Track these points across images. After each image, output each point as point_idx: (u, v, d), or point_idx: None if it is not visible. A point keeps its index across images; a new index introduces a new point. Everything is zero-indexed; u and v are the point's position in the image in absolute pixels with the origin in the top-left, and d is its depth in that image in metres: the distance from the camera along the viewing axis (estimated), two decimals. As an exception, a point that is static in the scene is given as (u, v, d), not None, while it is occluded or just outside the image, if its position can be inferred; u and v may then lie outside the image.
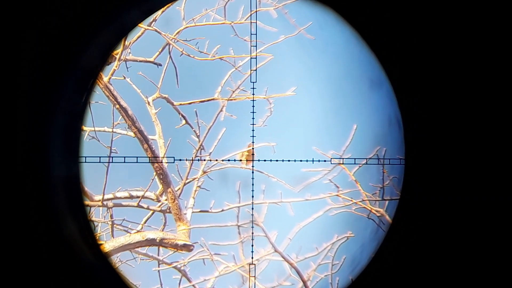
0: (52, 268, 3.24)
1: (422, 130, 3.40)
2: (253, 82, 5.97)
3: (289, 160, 6.06)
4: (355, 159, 6.47)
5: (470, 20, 3.39)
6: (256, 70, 5.90)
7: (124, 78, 6.94)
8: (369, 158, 6.19)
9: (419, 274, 3.31)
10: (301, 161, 6.07)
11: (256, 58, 5.92)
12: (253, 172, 6.58)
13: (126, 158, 5.59)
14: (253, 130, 6.22)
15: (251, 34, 6.06)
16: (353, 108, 6.25)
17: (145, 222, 7.23)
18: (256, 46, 5.90)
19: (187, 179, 7.19)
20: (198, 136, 7.23)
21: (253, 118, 6.12)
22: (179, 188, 7.16)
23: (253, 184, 6.43)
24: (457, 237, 3.32)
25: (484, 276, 3.29)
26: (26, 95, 3.22)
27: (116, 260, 7.01)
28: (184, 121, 7.28)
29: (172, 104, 7.28)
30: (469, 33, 3.40)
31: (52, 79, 3.24)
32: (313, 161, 6.25)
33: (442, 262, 3.30)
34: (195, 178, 7.27)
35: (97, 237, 3.54)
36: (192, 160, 7.16)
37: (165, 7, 6.39)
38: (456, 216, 3.34)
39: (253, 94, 6.29)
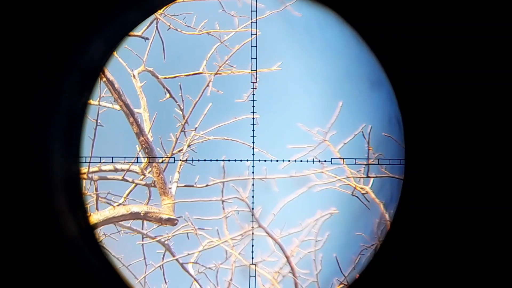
0: (52, 268, 3.24)
1: (422, 130, 3.41)
2: (253, 83, 5.95)
3: (284, 160, 6.11)
4: (355, 159, 6.50)
5: (471, 20, 3.39)
6: (256, 71, 5.87)
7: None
8: (369, 159, 6.23)
9: (418, 276, 3.35)
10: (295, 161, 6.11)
11: (256, 59, 5.86)
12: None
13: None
14: (253, 131, 6.24)
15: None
16: (353, 108, 6.27)
17: (127, 195, 7.23)
18: (256, 46, 5.84)
19: (172, 153, 7.19)
20: (182, 110, 7.20)
21: (253, 124, 6.13)
22: (164, 162, 7.16)
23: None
24: (458, 238, 3.35)
25: (483, 280, 3.33)
26: (26, 94, 3.17)
27: (100, 233, 7.02)
28: (168, 95, 7.25)
29: (157, 77, 7.24)
30: (470, 33, 3.39)
31: (52, 78, 3.19)
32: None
33: (442, 265, 3.34)
34: (180, 151, 7.26)
35: (98, 237, 3.53)
36: (177, 135, 7.15)
37: (166, 6, 6.31)
38: (456, 215, 3.37)
39: (253, 94, 6.25)
